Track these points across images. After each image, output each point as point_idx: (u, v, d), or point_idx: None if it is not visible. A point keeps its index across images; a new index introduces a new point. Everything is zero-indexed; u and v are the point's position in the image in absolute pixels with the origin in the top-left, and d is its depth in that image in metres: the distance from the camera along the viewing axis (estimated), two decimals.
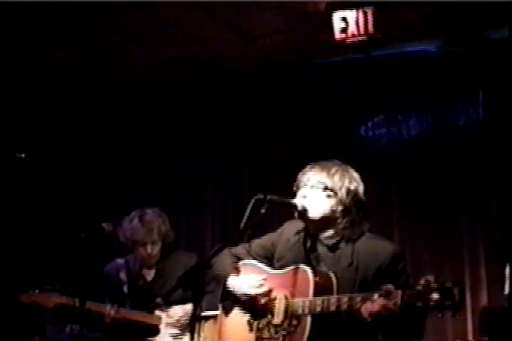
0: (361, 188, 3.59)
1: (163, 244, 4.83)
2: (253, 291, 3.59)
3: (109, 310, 4.65)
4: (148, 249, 4.76)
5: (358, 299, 3.20)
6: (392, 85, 5.72)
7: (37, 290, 4.62)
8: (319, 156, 3.73)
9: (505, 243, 4.84)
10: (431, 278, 2.96)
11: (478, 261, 5.31)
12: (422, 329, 3.34)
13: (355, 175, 3.62)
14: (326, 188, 3.53)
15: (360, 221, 3.55)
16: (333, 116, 5.96)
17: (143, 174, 6.74)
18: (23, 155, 6.30)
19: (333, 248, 3.51)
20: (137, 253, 4.79)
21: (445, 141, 5.55)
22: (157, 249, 4.79)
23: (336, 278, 3.41)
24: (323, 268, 3.50)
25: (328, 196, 3.53)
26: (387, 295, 3.07)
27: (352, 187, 3.54)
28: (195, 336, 3.26)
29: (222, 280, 3.72)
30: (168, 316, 4.64)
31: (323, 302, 3.30)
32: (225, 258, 3.78)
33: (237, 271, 3.75)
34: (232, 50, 5.77)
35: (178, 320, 4.63)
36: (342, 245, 3.50)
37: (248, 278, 3.65)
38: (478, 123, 5.47)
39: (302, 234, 3.63)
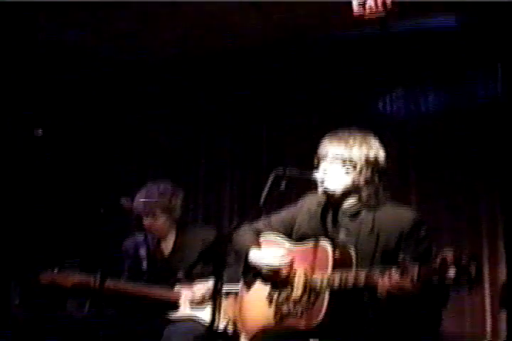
0: (381, 155, 3.58)
1: (171, 218, 4.88)
2: (275, 261, 3.60)
3: (129, 286, 4.70)
4: (147, 220, 4.82)
5: (376, 274, 3.21)
6: (411, 60, 5.67)
7: (56, 270, 4.67)
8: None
9: None
10: (448, 253, 2.97)
11: (496, 234, 5.28)
12: (442, 305, 3.36)
13: (374, 142, 3.60)
14: (345, 162, 3.53)
15: (383, 189, 3.55)
16: (350, 90, 5.92)
17: (162, 150, 6.74)
18: (40, 131, 6.32)
19: (354, 216, 3.52)
20: None
21: (464, 115, 5.51)
22: (159, 222, 4.84)
23: (356, 251, 3.42)
24: (343, 237, 3.51)
25: (348, 170, 3.53)
26: (403, 271, 3.08)
27: (371, 155, 3.53)
28: (216, 311, 3.27)
29: (243, 255, 3.74)
30: (191, 294, 4.67)
31: (341, 277, 3.31)
32: (245, 233, 3.81)
33: (258, 245, 3.77)
34: (249, 24, 5.72)
35: (200, 298, 4.66)
36: (363, 213, 3.51)
37: (270, 250, 3.67)
38: (497, 97, 5.41)
39: (323, 204, 3.64)
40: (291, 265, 3.61)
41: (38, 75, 6.47)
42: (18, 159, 6.39)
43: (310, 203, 3.74)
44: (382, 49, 5.74)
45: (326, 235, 3.54)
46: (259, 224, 3.89)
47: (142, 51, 6.40)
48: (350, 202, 3.58)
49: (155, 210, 4.80)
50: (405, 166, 5.65)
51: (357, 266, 3.37)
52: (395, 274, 3.10)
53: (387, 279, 3.12)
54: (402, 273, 3.08)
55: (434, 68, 5.64)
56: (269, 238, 3.82)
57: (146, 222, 4.83)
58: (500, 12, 5.21)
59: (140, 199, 4.82)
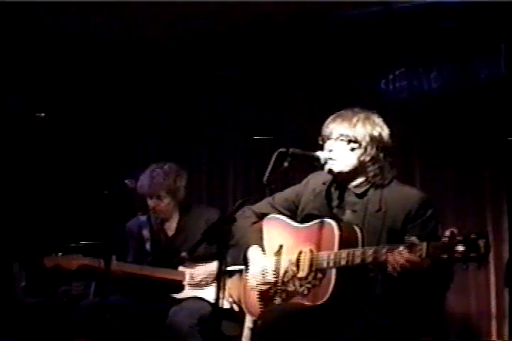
0: (386, 133, 3.57)
1: (176, 199, 4.87)
2: (259, 285, 3.69)
3: (133, 268, 4.71)
4: (151, 202, 4.81)
5: (383, 251, 3.20)
6: (413, 38, 5.62)
7: (60, 253, 4.67)
8: (340, 109, 3.70)
9: None
10: (455, 230, 2.96)
11: (500, 213, 5.27)
12: (448, 283, 3.36)
13: (378, 120, 3.59)
14: (350, 141, 3.52)
15: (389, 166, 3.55)
16: (353, 69, 5.88)
17: (165, 130, 6.72)
18: (42, 115, 6.32)
19: (360, 195, 3.52)
20: None
21: (466, 93, 5.46)
22: (163, 203, 4.83)
23: (362, 230, 3.41)
24: (349, 216, 3.51)
25: (353, 149, 3.52)
26: (412, 247, 3.08)
27: (375, 133, 3.52)
28: (221, 291, 3.27)
29: (242, 247, 3.79)
30: (191, 277, 4.68)
31: (348, 255, 3.30)
32: (244, 220, 3.82)
33: (259, 231, 3.80)
34: (253, 3, 5.67)
35: (201, 281, 4.67)
36: (370, 192, 3.51)
37: (262, 266, 3.69)
38: (500, 76, 5.39)
39: (328, 184, 3.64)
40: (296, 244, 3.62)
41: (38, 59, 6.47)
42: (20, 142, 6.39)
43: (315, 182, 3.74)
44: (385, 28, 5.71)
45: (331, 214, 3.54)
46: (263, 204, 3.88)
47: (145, 33, 6.38)
48: (356, 180, 3.57)
49: (159, 192, 4.80)
50: (409, 146, 5.62)
51: (363, 245, 3.37)
52: (404, 250, 3.10)
53: (397, 255, 3.11)
54: (411, 249, 3.07)
55: (437, 48, 5.59)
56: (273, 218, 3.82)
57: (151, 203, 4.83)
58: None
59: (145, 180, 4.82)
